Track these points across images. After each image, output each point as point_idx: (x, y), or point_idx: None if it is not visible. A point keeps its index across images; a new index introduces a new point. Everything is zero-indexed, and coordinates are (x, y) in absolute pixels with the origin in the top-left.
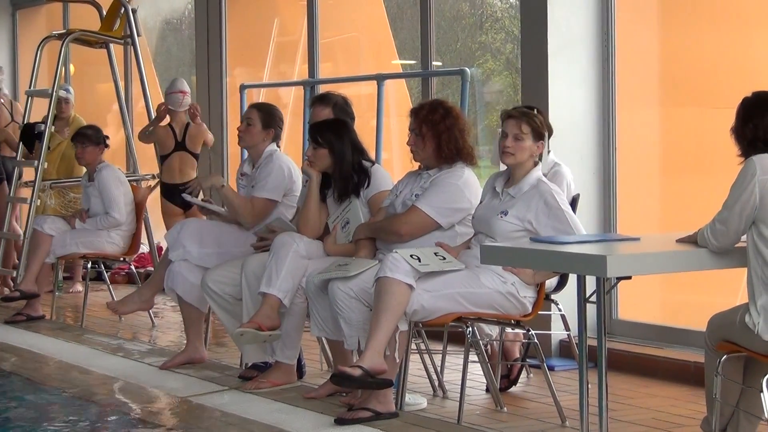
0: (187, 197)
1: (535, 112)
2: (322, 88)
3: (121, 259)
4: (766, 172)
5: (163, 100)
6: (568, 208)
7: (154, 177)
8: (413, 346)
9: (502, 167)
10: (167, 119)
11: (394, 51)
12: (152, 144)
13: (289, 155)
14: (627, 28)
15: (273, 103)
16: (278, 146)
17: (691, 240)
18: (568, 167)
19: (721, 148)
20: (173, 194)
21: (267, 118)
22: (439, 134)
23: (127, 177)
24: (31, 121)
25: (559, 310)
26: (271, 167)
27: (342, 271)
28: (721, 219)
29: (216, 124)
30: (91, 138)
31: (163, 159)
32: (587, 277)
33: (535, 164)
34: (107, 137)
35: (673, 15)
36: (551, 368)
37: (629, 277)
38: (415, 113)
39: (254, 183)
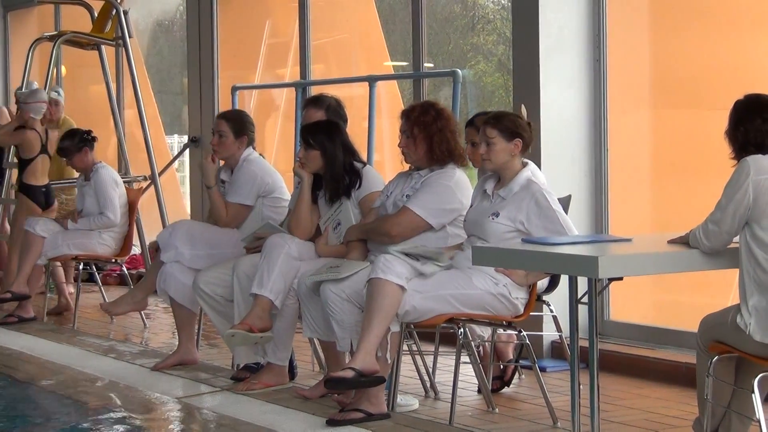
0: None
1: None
2: (314, 90)
3: (113, 260)
4: (760, 173)
5: (23, 106)
6: (559, 208)
7: (146, 178)
8: (405, 347)
9: None
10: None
11: (385, 52)
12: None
13: (281, 157)
14: (618, 30)
15: (265, 104)
16: (254, 148)
17: (683, 241)
18: (537, 168)
19: (712, 150)
20: (36, 194)
21: (237, 126)
22: (430, 136)
23: (121, 178)
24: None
25: (551, 311)
26: (242, 173)
27: (333, 273)
28: (714, 219)
29: (208, 126)
30: (70, 149)
31: (26, 161)
32: (579, 278)
33: (524, 165)
34: (89, 132)
35: (664, 17)
36: (543, 369)
37: (621, 278)
38: (406, 115)
39: (231, 186)
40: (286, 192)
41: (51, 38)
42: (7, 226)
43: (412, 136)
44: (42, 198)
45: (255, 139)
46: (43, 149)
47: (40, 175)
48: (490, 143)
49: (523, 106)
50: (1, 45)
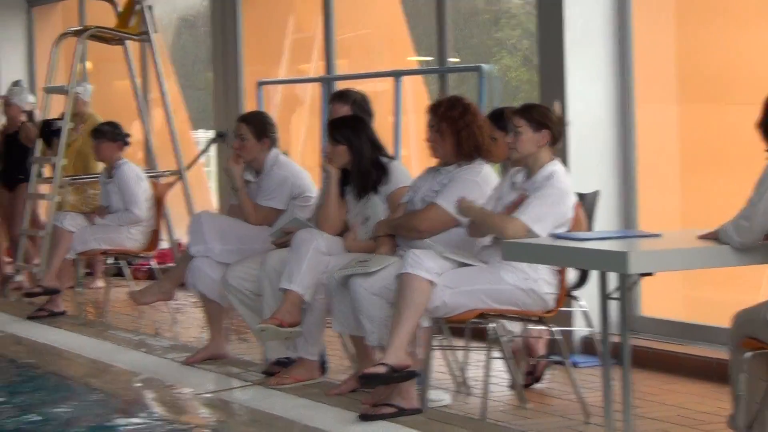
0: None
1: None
2: (340, 85)
3: (142, 255)
4: None
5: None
6: (553, 201)
7: (173, 173)
8: (435, 343)
9: None
10: None
11: (410, 47)
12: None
13: (307, 152)
14: (644, 24)
15: (290, 99)
16: (277, 147)
17: (713, 236)
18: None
19: (741, 144)
20: None
21: (258, 129)
22: (458, 131)
23: (146, 173)
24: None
25: (581, 306)
26: (273, 177)
27: (362, 268)
28: (745, 216)
29: (233, 122)
30: (106, 134)
31: None
32: (609, 273)
33: (551, 159)
34: (128, 135)
35: (690, 10)
36: (574, 364)
37: (651, 274)
38: (433, 110)
39: (259, 191)
40: (315, 190)
41: (76, 33)
42: (42, 220)
43: (439, 130)
44: None
45: (278, 140)
46: None
47: None
48: (517, 132)
49: (556, 102)
50: (27, 41)
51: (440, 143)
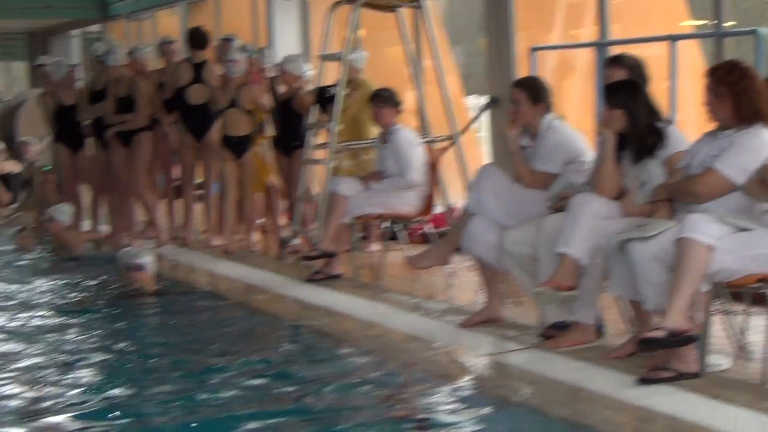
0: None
1: None
2: (614, 50)
3: (416, 219)
4: None
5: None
6: None
7: (447, 138)
8: (714, 307)
9: None
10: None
11: (684, 11)
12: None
13: (581, 117)
14: None
15: (563, 64)
16: (552, 111)
17: None
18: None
19: None
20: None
21: (533, 94)
22: (736, 95)
23: (420, 138)
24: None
25: None
26: (547, 141)
27: (640, 232)
28: None
29: (506, 87)
30: (387, 100)
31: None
32: None
33: None
34: (401, 102)
35: None
36: None
37: None
38: (712, 73)
39: (534, 155)
40: (589, 155)
41: (349, 1)
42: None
43: (717, 95)
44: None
45: (552, 104)
46: (232, 104)
47: (230, 127)
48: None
49: None
50: (301, 9)
51: (718, 107)
